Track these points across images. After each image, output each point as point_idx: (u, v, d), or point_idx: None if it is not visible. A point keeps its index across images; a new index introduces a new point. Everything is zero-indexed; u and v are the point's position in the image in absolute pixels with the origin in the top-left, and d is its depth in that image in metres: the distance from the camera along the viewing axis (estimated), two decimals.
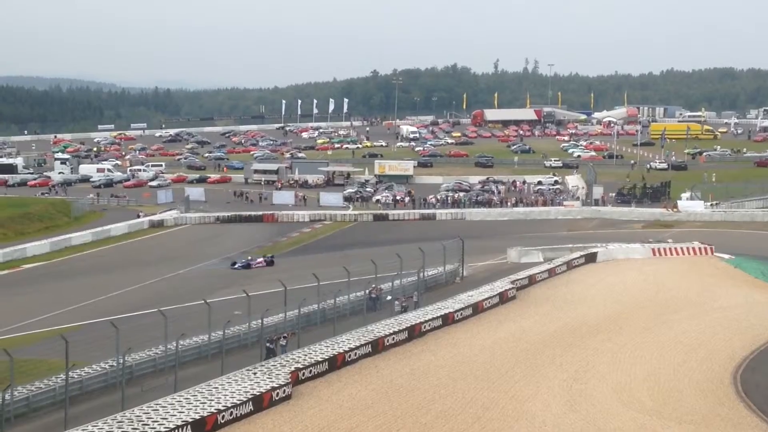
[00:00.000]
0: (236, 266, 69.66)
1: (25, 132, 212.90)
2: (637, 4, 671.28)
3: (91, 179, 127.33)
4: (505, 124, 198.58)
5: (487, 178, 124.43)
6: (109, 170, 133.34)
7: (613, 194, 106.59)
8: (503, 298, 55.35)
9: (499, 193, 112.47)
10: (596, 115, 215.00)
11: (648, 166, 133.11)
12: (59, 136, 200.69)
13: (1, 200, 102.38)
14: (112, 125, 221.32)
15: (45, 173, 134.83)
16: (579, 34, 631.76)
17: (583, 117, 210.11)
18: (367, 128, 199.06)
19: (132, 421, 32.54)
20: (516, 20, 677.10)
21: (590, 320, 51.19)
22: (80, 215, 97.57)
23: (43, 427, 34.32)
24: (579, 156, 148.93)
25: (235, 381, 37.24)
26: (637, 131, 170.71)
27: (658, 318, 51.95)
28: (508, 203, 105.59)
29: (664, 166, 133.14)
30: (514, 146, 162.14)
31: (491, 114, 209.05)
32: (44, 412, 36.03)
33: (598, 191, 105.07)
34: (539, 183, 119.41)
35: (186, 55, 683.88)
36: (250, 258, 71.11)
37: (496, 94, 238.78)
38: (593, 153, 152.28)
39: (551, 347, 45.41)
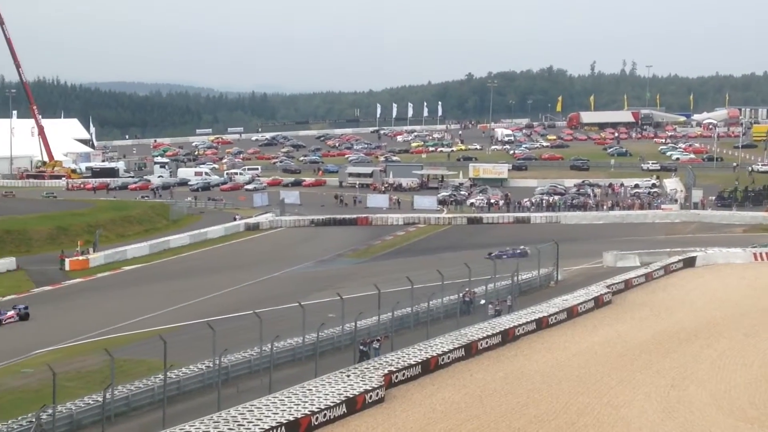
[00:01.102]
0: None
1: (127, 136, 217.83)
2: (740, 2, 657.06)
3: (189, 182, 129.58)
4: (602, 126, 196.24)
5: (583, 182, 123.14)
6: (206, 174, 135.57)
7: (713, 198, 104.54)
8: (598, 303, 54.73)
9: (594, 196, 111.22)
10: (696, 117, 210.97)
11: (750, 168, 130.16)
12: (159, 140, 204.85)
13: (104, 203, 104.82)
14: (210, 129, 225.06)
15: (145, 177, 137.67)
16: (678, 34, 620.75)
17: (682, 119, 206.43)
18: (460, 131, 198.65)
19: (228, 422, 32.99)
20: (613, 21, 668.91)
21: (689, 326, 50.27)
22: (178, 218, 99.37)
23: (142, 426, 34.98)
24: (678, 159, 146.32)
25: (329, 383, 37.48)
26: (738, 133, 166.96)
27: (760, 324, 50.71)
28: (604, 206, 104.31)
29: (767, 168, 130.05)
30: (611, 149, 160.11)
31: (587, 116, 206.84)
32: (143, 411, 36.75)
33: (697, 194, 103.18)
34: (636, 186, 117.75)
35: (282, 60, 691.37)
36: None
37: (592, 97, 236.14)
38: (692, 156, 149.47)
39: (648, 353, 44.73)
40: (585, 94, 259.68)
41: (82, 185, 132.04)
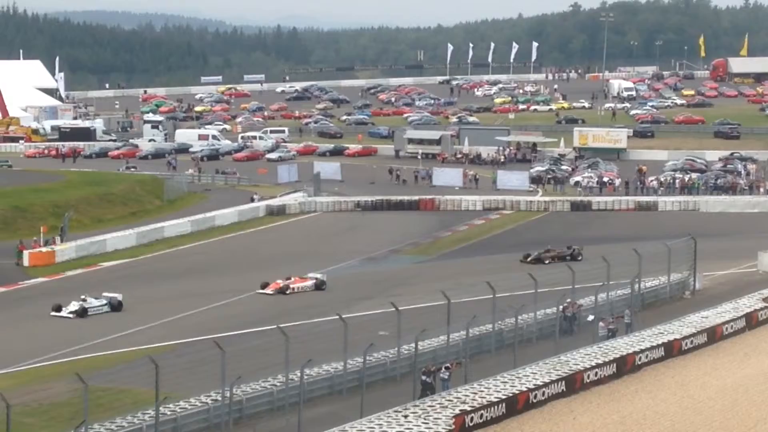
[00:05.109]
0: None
1: (107, 86, 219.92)
2: None
3: (190, 149, 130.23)
4: (758, 78, 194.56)
5: (732, 154, 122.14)
6: (214, 137, 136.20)
7: None
8: (752, 322, 54.33)
9: (747, 174, 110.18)
10: None
11: None
12: (150, 91, 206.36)
13: (76, 176, 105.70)
14: (220, 77, 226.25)
15: (131, 140, 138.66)
16: None
17: None
18: (555, 85, 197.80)
19: None
20: None
21: None
22: (176, 197, 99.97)
23: None
24: None
25: (379, 426, 37.61)
26: None
27: None
28: (761, 189, 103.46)
29: None
30: None
31: (738, 64, 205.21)
32: None
33: None
34: None
35: None
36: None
37: (746, 37, 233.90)
38: None
39: None
40: (736, 34, 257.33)
41: (45, 150, 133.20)
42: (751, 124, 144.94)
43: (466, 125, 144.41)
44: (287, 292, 62.92)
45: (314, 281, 64.52)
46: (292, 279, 64.07)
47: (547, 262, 69.78)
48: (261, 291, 63.27)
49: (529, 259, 70.88)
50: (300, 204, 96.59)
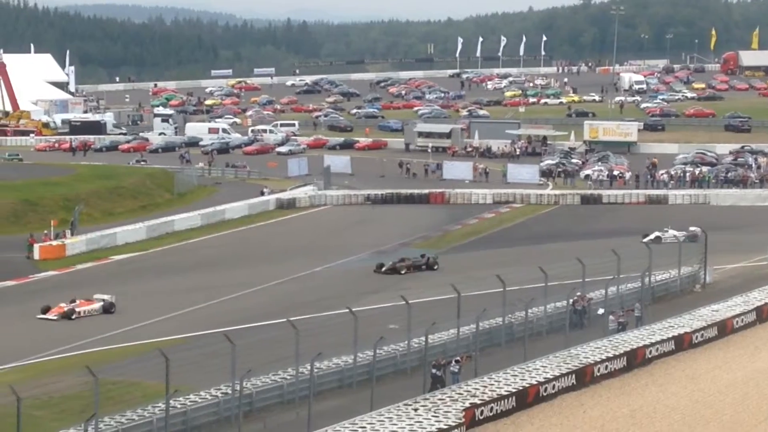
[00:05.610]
0: None
1: (117, 79, 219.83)
2: None
3: (200, 143, 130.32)
4: None
5: (743, 147, 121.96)
6: (224, 131, 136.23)
7: None
8: (762, 315, 54.27)
9: (758, 168, 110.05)
10: None
11: None
12: (160, 84, 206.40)
13: (86, 169, 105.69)
14: (230, 70, 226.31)
15: (141, 134, 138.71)
16: None
17: None
18: (565, 78, 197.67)
19: None
20: None
21: None
22: (186, 191, 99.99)
23: None
24: None
25: (389, 419, 37.57)
26: None
27: None
28: None
29: None
30: None
31: (749, 57, 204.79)
32: None
33: None
34: None
35: None
36: None
37: (756, 30, 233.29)
38: None
39: None
40: (747, 27, 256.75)
41: (56, 144, 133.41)
42: (762, 118, 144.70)
43: (477, 118, 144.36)
44: (72, 316, 57.85)
45: (102, 303, 59.46)
46: (77, 302, 59.24)
47: (403, 272, 68.23)
48: (42, 316, 57.86)
49: (383, 269, 68.97)
50: (310, 197, 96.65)
